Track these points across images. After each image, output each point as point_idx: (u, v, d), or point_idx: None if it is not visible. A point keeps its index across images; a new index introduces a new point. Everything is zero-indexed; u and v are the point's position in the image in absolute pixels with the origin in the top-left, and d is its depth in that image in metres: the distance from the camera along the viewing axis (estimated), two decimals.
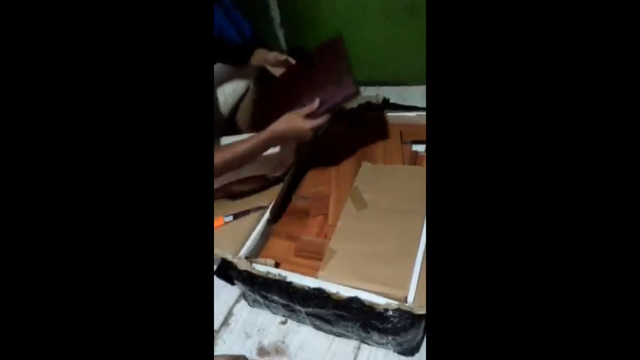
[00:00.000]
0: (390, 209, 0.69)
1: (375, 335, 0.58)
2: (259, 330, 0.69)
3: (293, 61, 0.85)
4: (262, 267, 0.64)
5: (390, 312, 0.53)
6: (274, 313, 0.71)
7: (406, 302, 0.55)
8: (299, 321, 0.68)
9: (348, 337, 0.64)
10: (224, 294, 0.76)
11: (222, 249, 0.68)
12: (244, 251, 0.69)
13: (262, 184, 0.83)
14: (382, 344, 0.60)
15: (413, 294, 0.55)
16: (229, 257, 0.66)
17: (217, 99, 0.89)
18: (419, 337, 0.59)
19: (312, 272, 0.62)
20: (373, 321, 0.54)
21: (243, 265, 0.64)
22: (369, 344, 0.63)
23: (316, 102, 0.71)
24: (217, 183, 0.78)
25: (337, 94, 0.72)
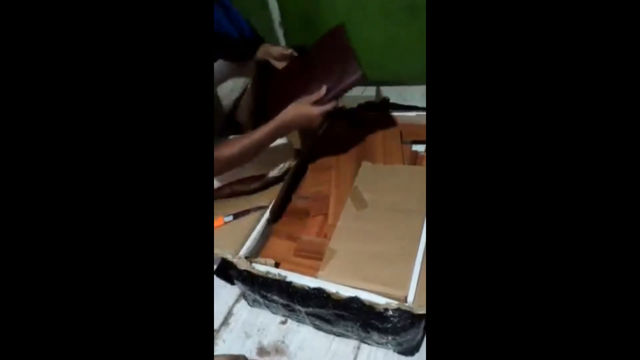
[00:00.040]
0: (390, 209, 0.69)
1: (375, 335, 0.58)
2: (258, 330, 0.69)
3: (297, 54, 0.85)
4: (262, 267, 0.64)
5: (390, 312, 0.53)
6: (273, 313, 0.71)
7: (406, 301, 0.55)
8: (298, 321, 0.68)
9: (348, 337, 0.64)
10: (224, 293, 0.76)
11: (222, 249, 0.68)
12: (243, 251, 0.69)
13: (262, 184, 0.83)
14: (382, 344, 0.60)
15: (413, 293, 0.55)
16: (229, 257, 0.66)
17: (216, 97, 0.89)
18: (419, 336, 0.59)
19: (312, 272, 0.63)
20: (373, 321, 0.54)
21: (243, 265, 0.64)
22: (368, 344, 0.63)
23: (323, 89, 0.71)
24: (217, 183, 0.78)
25: (344, 80, 0.72)
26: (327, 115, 0.73)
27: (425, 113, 0.91)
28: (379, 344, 0.61)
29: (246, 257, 0.67)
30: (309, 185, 0.86)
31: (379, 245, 0.64)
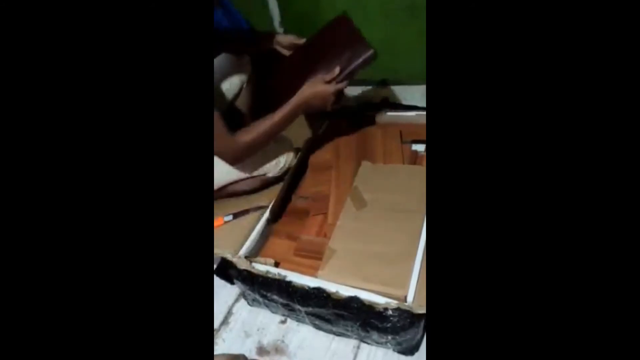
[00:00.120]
0: (390, 209, 0.69)
1: (375, 335, 0.58)
2: (258, 330, 0.69)
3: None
4: (261, 267, 0.64)
5: (390, 312, 0.53)
6: (273, 312, 0.71)
7: (406, 301, 0.55)
8: (298, 320, 0.68)
9: (348, 336, 0.64)
10: (224, 293, 0.76)
11: (222, 249, 0.68)
12: (243, 250, 0.69)
13: (262, 183, 0.83)
14: (382, 343, 0.61)
15: (413, 293, 0.56)
16: (229, 257, 0.67)
17: (215, 94, 0.89)
18: (419, 336, 0.59)
19: (312, 272, 0.63)
20: (373, 320, 0.54)
21: (243, 264, 0.64)
22: (368, 343, 0.63)
23: (336, 69, 0.72)
24: (217, 183, 0.78)
25: (355, 58, 0.73)
26: (340, 94, 0.75)
27: (425, 113, 0.91)
28: (378, 343, 0.61)
29: (246, 257, 0.67)
30: (309, 185, 0.86)
31: (379, 245, 0.64)
